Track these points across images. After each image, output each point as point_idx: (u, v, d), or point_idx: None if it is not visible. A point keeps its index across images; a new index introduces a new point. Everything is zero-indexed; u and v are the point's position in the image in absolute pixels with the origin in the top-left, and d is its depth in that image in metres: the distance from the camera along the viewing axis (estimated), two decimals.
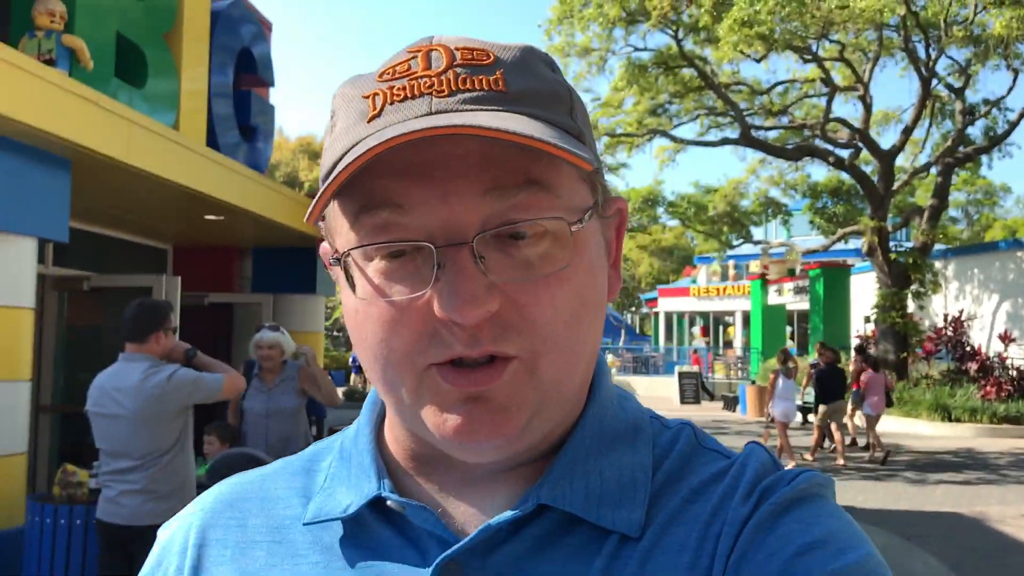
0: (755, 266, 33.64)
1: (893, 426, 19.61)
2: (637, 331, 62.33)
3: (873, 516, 9.59)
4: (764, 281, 31.55)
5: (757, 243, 31.70)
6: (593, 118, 23.59)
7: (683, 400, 26.48)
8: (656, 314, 48.23)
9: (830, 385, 14.29)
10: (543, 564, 0.67)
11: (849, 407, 15.29)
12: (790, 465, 13.88)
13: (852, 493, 11.29)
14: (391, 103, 0.64)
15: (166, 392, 3.92)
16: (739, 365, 34.52)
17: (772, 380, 13.88)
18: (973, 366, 20.26)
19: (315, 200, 0.66)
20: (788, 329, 36.13)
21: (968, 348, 20.84)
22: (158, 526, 2.27)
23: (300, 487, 0.77)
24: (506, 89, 0.64)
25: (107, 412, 3.92)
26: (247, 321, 10.82)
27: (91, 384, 4.16)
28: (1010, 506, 10.32)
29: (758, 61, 21.13)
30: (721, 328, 44.15)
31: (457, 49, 0.66)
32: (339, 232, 0.68)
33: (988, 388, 19.28)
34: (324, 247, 0.74)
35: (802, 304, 31.81)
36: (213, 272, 10.80)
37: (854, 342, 27.08)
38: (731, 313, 41.65)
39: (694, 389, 26.97)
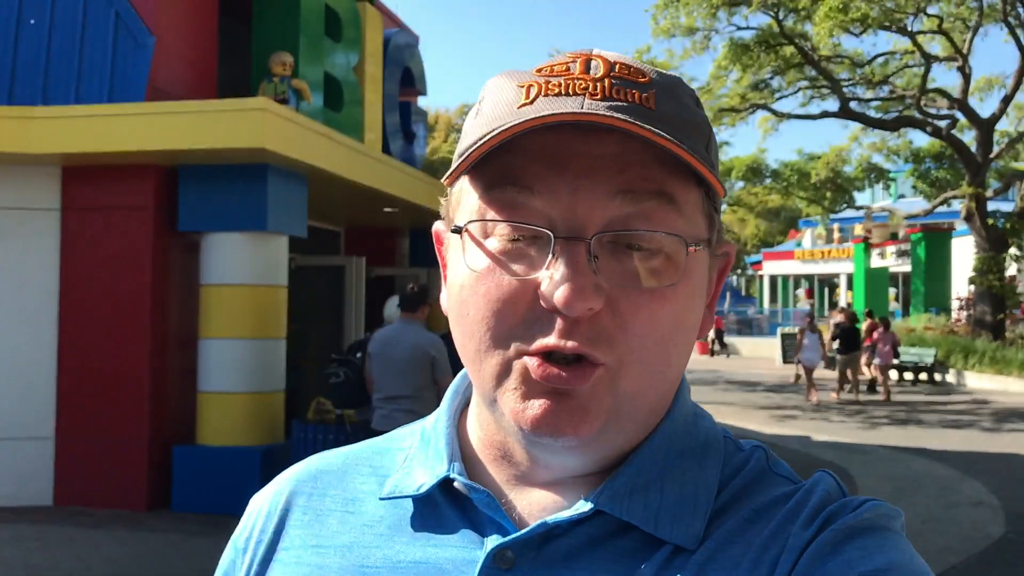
0: (859, 229, 34.40)
1: (983, 383, 20.79)
2: (743, 293, 63.08)
3: (942, 455, 11.22)
4: (867, 245, 32.46)
5: (860, 208, 32.55)
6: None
7: (785, 360, 27.84)
8: (761, 277, 49.26)
9: (847, 340, 18.00)
10: (594, 563, 0.68)
11: (864, 357, 18.94)
12: (814, 398, 17.43)
13: (930, 438, 12.85)
14: (544, 95, 0.66)
15: (428, 351, 5.95)
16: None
17: (800, 335, 17.69)
18: None
19: (454, 166, 0.70)
20: (892, 291, 36.92)
21: None
22: None
23: (380, 465, 0.81)
24: (655, 108, 0.66)
25: (388, 356, 6.01)
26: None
27: (375, 336, 6.26)
28: None
29: (857, 35, 22.25)
30: (827, 290, 44.96)
31: (615, 63, 0.68)
32: (463, 206, 0.71)
33: None
34: (437, 226, 0.78)
35: (904, 267, 32.66)
36: (377, 249, 12.98)
37: (955, 303, 28.06)
38: (836, 276, 42.41)
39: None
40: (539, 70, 0.68)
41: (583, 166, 0.65)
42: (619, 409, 0.67)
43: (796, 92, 25.85)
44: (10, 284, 7.85)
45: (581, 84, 0.66)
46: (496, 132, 0.64)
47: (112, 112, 7.32)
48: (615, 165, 0.65)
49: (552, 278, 0.64)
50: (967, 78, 23.94)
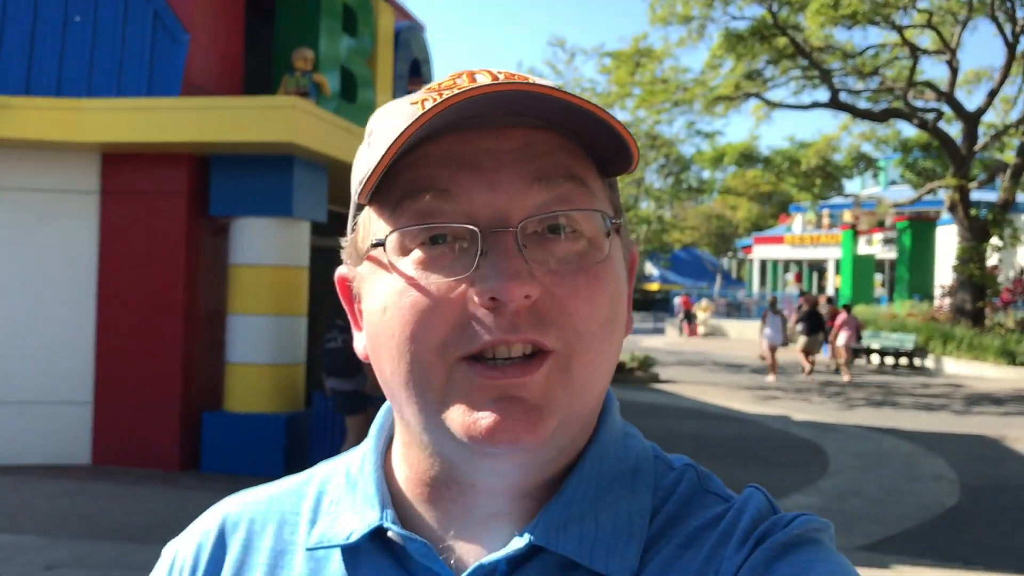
0: (848, 216, 35.18)
1: (960, 369, 21.63)
2: (734, 276, 63.90)
3: (912, 434, 11.99)
4: (855, 231, 33.25)
5: (848, 196, 33.30)
6: (688, 95, 25.75)
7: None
8: (751, 261, 50.06)
9: (810, 323, 19.97)
10: None
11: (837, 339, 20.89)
12: (771, 378, 18.96)
13: (902, 419, 13.63)
14: (450, 98, 0.62)
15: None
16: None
17: (764, 316, 19.37)
18: None
19: (358, 187, 0.68)
20: (879, 277, 37.75)
21: None
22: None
23: (304, 510, 0.77)
24: (546, 84, 0.65)
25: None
26: None
27: None
28: None
29: (849, 28, 22.89)
30: (815, 275, 45.77)
31: (500, 72, 0.68)
32: (374, 231, 0.69)
33: None
34: (340, 271, 0.76)
35: (891, 254, 33.48)
36: None
37: (938, 290, 28.86)
38: (824, 261, 43.21)
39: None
40: (428, 88, 0.68)
41: (495, 161, 0.65)
42: (570, 405, 0.66)
43: (788, 82, 26.52)
44: (53, 261, 8.52)
45: (472, 86, 0.63)
46: (405, 129, 0.62)
47: (153, 105, 7.97)
48: (525, 156, 0.65)
49: (484, 274, 0.63)
50: (955, 71, 24.62)
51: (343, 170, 9.15)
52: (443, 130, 0.65)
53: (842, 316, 20.99)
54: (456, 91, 0.63)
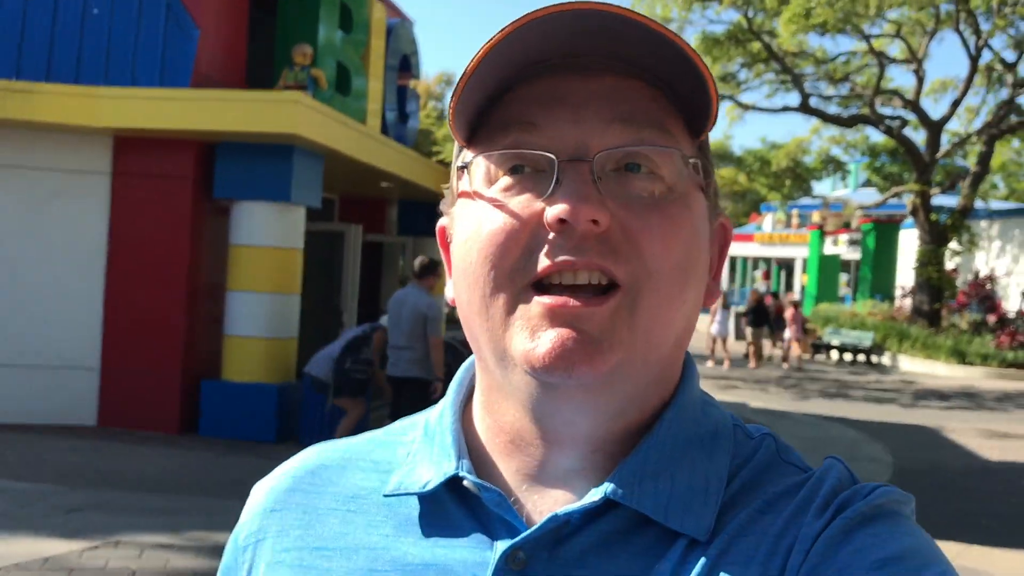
0: (816, 216, 36.20)
1: (915, 366, 22.65)
2: None
3: (858, 423, 12.88)
4: (822, 232, 34.29)
5: (816, 197, 34.32)
6: None
7: (737, 336, 29.66)
8: None
9: (756, 317, 21.82)
10: (609, 561, 0.66)
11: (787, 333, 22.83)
12: (726, 366, 20.84)
13: (852, 409, 14.53)
14: (519, 20, 0.63)
15: (424, 310, 7.35)
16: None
17: (714, 310, 20.78)
18: (992, 318, 23.10)
19: (452, 94, 0.68)
20: (845, 277, 38.86)
21: (990, 302, 23.65)
22: (414, 376, 6.21)
23: (382, 460, 0.78)
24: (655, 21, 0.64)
25: (396, 314, 7.42)
26: (391, 255, 14.45)
27: (392, 297, 7.62)
28: (968, 424, 13.50)
29: (821, 35, 23.80)
30: (784, 273, 46.86)
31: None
32: (468, 176, 0.71)
33: (1003, 337, 22.14)
34: (442, 222, 0.78)
35: (856, 255, 34.54)
36: (369, 217, 14.32)
37: (898, 291, 29.92)
38: (793, 260, 44.28)
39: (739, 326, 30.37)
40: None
41: (581, 99, 0.66)
42: (634, 346, 0.65)
43: (762, 85, 27.41)
44: (65, 237, 9.16)
45: (556, 3, 0.62)
46: (493, 36, 0.63)
47: (166, 96, 8.63)
48: (612, 98, 0.66)
49: (556, 198, 0.64)
50: (921, 81, 25.61)
51: (338, 160, 9.85)
52: (534, 73, 0.67)
53: (791, 311, 22.90)
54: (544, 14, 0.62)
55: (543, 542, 0.67)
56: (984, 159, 25.91)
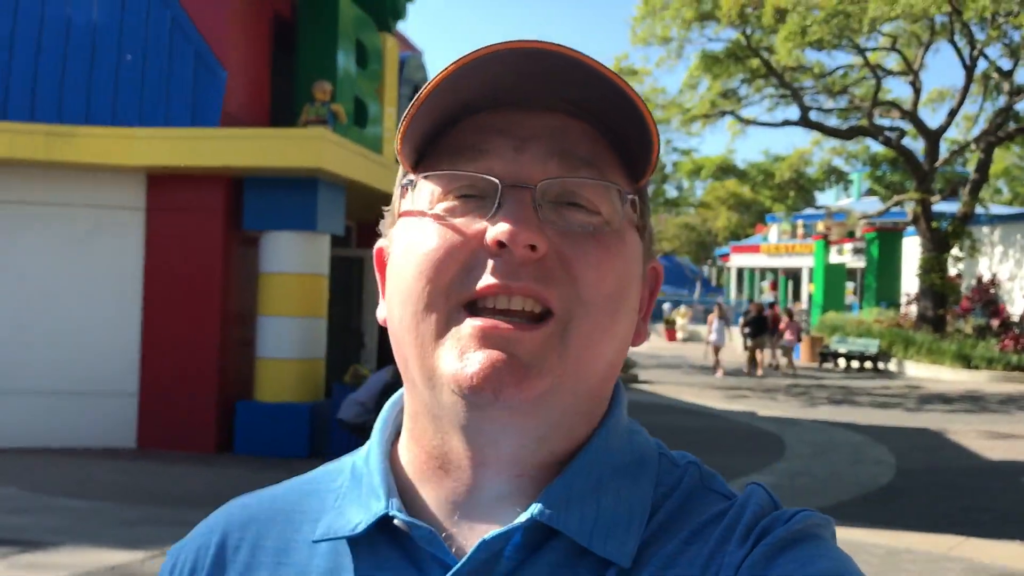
0: (820, 226, 36.67)
1: (920, 371, 23.05)
2: (713, 283, 65.34)
3: (863, 428, 13.32)
4: (826, 242, 34.73)
5: (819, 207, 34.78)
6: (666, 114, 27.21)
7: (745, 347, 30.09)
8: (729, 268, 51.58)
9: (755, 326, 22.67)
10: None
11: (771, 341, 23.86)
12: (719, 374, 21.64)
13: (858, 415, 14.97)
14: (480, 50, 0.65)
15: None
16: (802, 318, 37.76)
17: (711, 320, 22.29)
18: (996, 322, 23.51)
19: (401, 122, 0.69)
20: (851, 285, 39.27)
21: (994, 307, 24.07)
22: None
23: (310, 509, 0.77)
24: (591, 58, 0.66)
25: None
26: None
27: None
28: (971, 426, 13.92)
29: (818, 51, 24.37)
30: (791, 283, 47.29)
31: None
32: (412, 195, 0.72)
33: (1007, 341, 22.55)
34: (378, 246, 0.79)
35: (861, 263, 34.96)
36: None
37: (904, 298, 30.32)
38: (799, 270, 44.71)
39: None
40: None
41: (526, 132, 0.69)
42: (564, 374, 0.66)
43: (762, 100, 27.96)
44: (103, 269, 9.70)
45: (505, 41, 0.65)
46: (446, 67, 0.65)
47: (197, 135, 9.18)
48: (555, 134, 0.69)
49: (495, 220, 0.65)
50: (918, 92, 26.14)
51: (359, 190, 10.39)
52: (480, 107, 0.69)
53: (785, 320, 24.00)
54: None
55: (475, 574, 0.67)
56: (983, 166, 26.36)
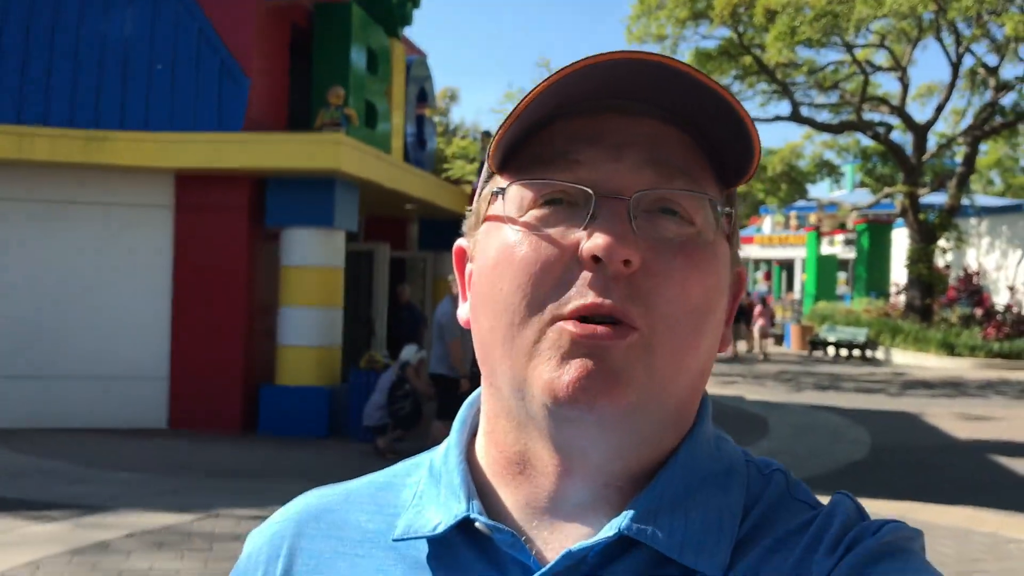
0: (813, 218, 37.44)
1: (906, 359, 23.88)
2: None
3: (845, 411, 14.12)
4: (818, 233, 35.55)
5: (811, 199, 35.55)
6: None
7: (736, 336, 30.93)
8: None
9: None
10: None
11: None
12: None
13: (841, 399, 15.77)
14: (580, 61, 0.64)
15: (439, 318, 8.65)
16: (795, 307, 38.57)
17: None
18: (979, 312, 24.36)
19: (496, 135, 0.69)
20: (843, 275, 40.10)
21: (978, 296, 24.91)
22: (440, 373, 7.66)
23: (386, 503, 0.77)
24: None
25: (436, 321, 8.72)
26: (414, 269, 15.76)
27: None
28: (947, 409, 14.73)
29: (808, 48, 25.13)
30: (784, 273, 48.13)
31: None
32: (499, 201, 0.71)
33: (989, 329, 23.39)
34: (460, 243, 0.78)
35: (852, 254, 35.79)
36: (391, 234, 15.61)
37: (893, 288, 31.13)
38: (792, 261, 45.52)
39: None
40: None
41: (620, 139, 0.67)
42: (650, 386, 0.66)
43: (755, 96, 28.71)
44: (135, 264, 10.47)
45: (604, 53, 0.64)
46: (536, 86, 0.65)
47: (223, 139, 9.95)
48: (649, 140, 0.67)
49: (592, 232, 0.65)
50: (906, 87, 26.91)
51: (370, 187, 11.16)
52: (574, 112, 0.68)
53: (759, 308, 25.62)
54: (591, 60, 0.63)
55: None
56: (969, 159, 27.14)
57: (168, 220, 10.50)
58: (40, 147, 9.78)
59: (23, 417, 10.13)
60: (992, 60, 26.72)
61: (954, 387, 18.27)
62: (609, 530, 0.66)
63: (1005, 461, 10.24)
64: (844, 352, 25.98)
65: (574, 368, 0.64)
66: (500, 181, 0.71)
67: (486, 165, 0.74)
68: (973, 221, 30.59)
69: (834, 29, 23.10)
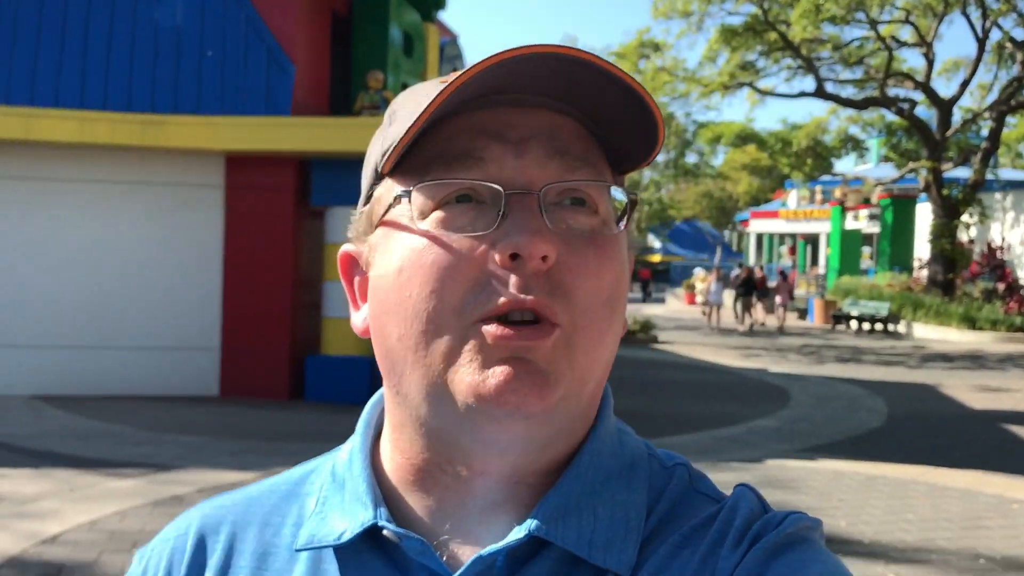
0: (837, 193, 37.59)
1: (928, 333, 24.22)
2: (734, 248, 66.23)
3: (864, 382, 14.58)
4: (843, 208, 35.74)
5: (836, 174, 35.74)
6: (687, 88, 28.29)
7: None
8: (748, 234, 52.58)
9: (744, 288, 25.94)
10: None
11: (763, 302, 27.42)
12: (713, 325, 25.12)
13: (861, 371, 16.22)
14: (482, 62, 0.62)
15: None
16: (819, 282, 38.87)
17: (709, 281, 25.36)
18: (1002, 286, 24.63)
19: (392, 145, 0.67)
20: (867, 250, 40.28)
21: (1001, 271, 25.17)
22: None
23: (289, 511, 0.75)
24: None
25: None
26: None
27: None
28: (965, 380, 15.16)
29: (833, 24, 25.32)
30: (809, 248, 48.29)
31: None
32: (396, 193, 0.68)
33: (1011, 304, 23.68)
34: (346, 248, 0.76)
35: (876, 228, 35.98)
36: None
37: (916, 263, 31.36)
38: (817, 235, 45.68)
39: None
40: (454, 70, 0.64)
41: (520, 133, 0.66)
42: (573, 380, 0.65)
43: (780, 71, 28.93)
44: (188, 240, 11.09)
45: (500, 52, 0.62)
46: (439, 92, 0.62)
47: (271, 123, 10.51)
48: (548, 133, 0.67)
49: (506, 231, 0.63)
50: (931, 63, 27.04)
51: None
52: (469, 105, 0.66)
53: (777, 282, 26.82)
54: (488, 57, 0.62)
55: None
56: (994, 134, 27.27)
57: (219, 200, 11.09)
58: (101, 131, 10.39)
59: (85, 385, 10.82)
60: (1019, 34, 26.94)
61: (973, 360, 18.66)
62: (519, 532, 0.65)
63: (1017, 429, 10.70)
64: (866, 326, 26.34)
65: (500, 372, 0.63)
66: (392, 184, 0.69)
67: (371, 167, 0.72)
68: (998, 196, 30.70)
69: (859, 6, 23.32)
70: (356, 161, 8.02)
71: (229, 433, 9.20)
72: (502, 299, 0.63)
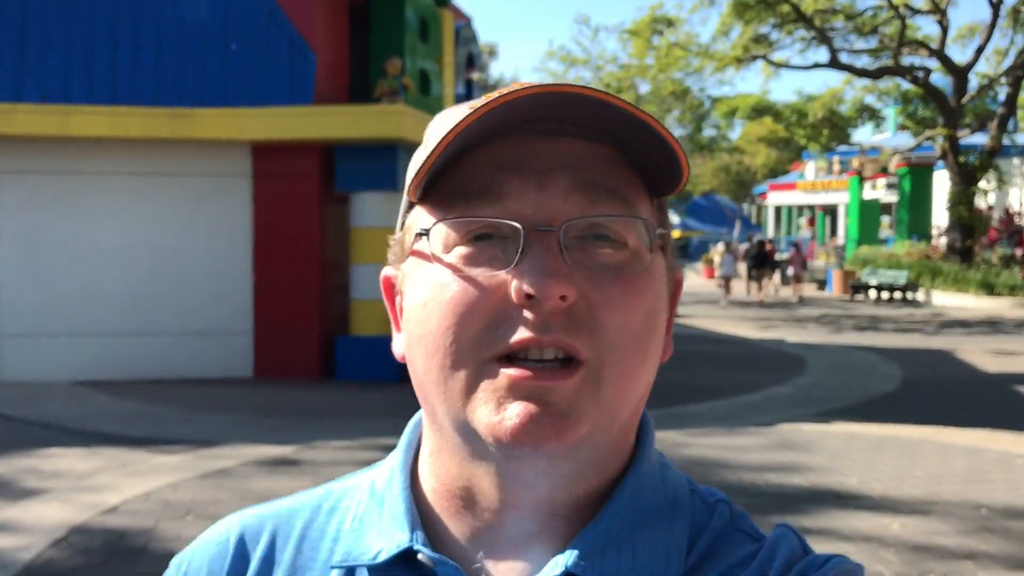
0: (855, 163, 37.57)
1: (946, 300, 24.37)
2: (753, 221, 66.10)
3: (880, 350, 14.84)
4: (861, 177, 35.77)
5: (853, 144, 35.74)
6: (701, 63, 28.37)
7: (783, 281, 31.50)
8: (767, 206, 52.57)
9: (755, 259, 26.29)
10: None
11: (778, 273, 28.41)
12: (726, 300, 25.16)
13: (878, 339, 16.46)
14: (499, 97, 0.63)
15: None
16: (838, 252, 38.92)
17: (721, 254, 25.85)
18: (1020, 251, 24.71)
19: (415, 173, 0.67)
20: (886, 219, 40.28)
21: (1019, 236, 25.24)
22: None
23: (327, 527, 0.75)
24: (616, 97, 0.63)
25: None
26: None
27: None
28: (981, 345, 15.38)
29: None
30: (828, 219, 48.27)
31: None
32: (422, 224, 0.69)
33: None
34: (387, 271, 0.78)
35: (894, 198, 36.00)
36: None
37: (934, 231, 31.40)
38: (835, 206, 45.65)
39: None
40: (486, 96, 0.64)
41: (543, 164, 0.65)
42: (599, 418, 0.65)
43: (794, 43, 28.97)
44: (219, 228, 11.50)
45: (524, 86, 0.63)
46: (454, 126, 0.62)
47: (295, 112, 10.88)
48: (572, 164, 0.66)
49: (523, 270, 0.63)
50: (945, 30, 27.01)
51: None
52: (496, 135, 0.66)
53: (792, 253, 27.17)
54: (516, 88, 0.62)
55: None
56: (1010, 100, 27.23)
57: (247, 188, 11.48)
58: (132, 125, 10.80)
59: (125, 370, 11.28)
60: None
61: (990, 326, 18.86)
62: (555, 568, 0.65)
63: None
64: (885, 295, 26.50)
65: (515, 412, 0.63)
66: (422, 214, 0.69)
67: (405, 195, 0.73)
68: (1016, 161, 30.68)
69: None
70: (379, 147, 8.51)
71: (266, 411, 9.62)
72: (518, 336, 0.63)
